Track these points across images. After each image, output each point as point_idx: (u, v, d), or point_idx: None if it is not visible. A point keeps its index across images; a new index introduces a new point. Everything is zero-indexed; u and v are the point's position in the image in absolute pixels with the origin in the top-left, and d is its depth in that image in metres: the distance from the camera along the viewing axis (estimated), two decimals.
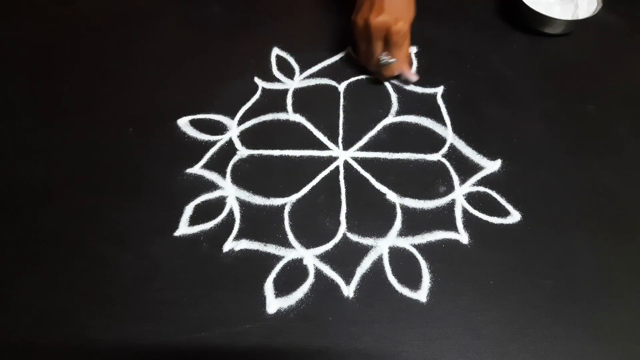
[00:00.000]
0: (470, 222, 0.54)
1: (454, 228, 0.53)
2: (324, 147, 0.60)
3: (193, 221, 0.54)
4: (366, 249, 0.52)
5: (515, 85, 0.66)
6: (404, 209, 0.55)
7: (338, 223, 0.54)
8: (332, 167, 0.59)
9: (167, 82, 0.67)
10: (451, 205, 0.55)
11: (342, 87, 0.66)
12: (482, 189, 0.56)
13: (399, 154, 0.60)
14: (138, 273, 0.50)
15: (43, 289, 0.50)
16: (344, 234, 0.53)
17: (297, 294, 0.49)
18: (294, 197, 0.56)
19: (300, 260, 0.51)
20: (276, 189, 0.56)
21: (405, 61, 0.63)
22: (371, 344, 0.46)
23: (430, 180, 0.57)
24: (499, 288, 0.49)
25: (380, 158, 0.59)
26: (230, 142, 0.61)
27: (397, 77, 0.66)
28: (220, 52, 0.70)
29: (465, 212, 0.55)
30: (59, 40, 0.73)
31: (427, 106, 0.64)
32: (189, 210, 0.55)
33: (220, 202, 0.56)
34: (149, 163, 0.59)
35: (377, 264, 0.51)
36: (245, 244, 0.52)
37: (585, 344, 0.46)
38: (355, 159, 0.59)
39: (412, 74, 0.65)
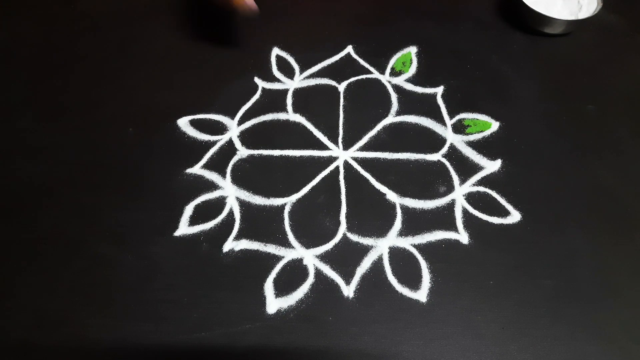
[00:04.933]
0: (470, 222, 0.54)
1: (454, 228, 0.53)
2: (324, 147, 0.60)
3: (193, 221, 0.54)
4: (366, 249, 0.52)
5: (515, 85, 0.66)
6: (404, 209, 0.55)
7: (338, 223, 0.54)
8: (332, 167, 0.59)
9: (167, 82, 0.67)
10: (451, 205, 0.55)
11: (342, 87, 0.66)
12: (482, 189, 0.56)
13: (399, 154, 0.60)
14: (138, 273, 0.50)
15: (43, 289, 0.50)
16: (344, 234, 0.53)
17: (297, 294, 0.49)
18: (294, 197, 0.56)
19: (300, 260, 0.51)
20: (276, 189, 0.56)
21: None
22: (371, 344, 0.46)
23: (430, 180, 0.57)
24: (499, 288, 0.49)
25: (380, 158, 0.59)
26: (230, 142, 0.61)
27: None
28: (221, 52, 0.70)
29: (465, 212, 0.55)
30: (59, 40, 0.73)
31: (427, 106, 0.64)
32: (189, 210, 0.55)
33: (220, 202, 0.56)
34: (149, 163, 0.59)
35: (377, 264, 0.51)
36: (245, 244, 0.52)
37: (585, 344, 0.46)
38: (355, 159, 0.59)
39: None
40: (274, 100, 0.65)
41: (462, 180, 0.57)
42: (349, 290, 0.49)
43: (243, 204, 0.56)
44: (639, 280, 0.50)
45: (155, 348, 0.46)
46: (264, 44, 0.71)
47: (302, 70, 0.68)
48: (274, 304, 0.48)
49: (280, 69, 0.69)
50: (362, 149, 0.60)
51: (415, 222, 0.54)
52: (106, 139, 0.61)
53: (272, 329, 0.47)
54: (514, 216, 0.54)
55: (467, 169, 0.58)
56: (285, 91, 0.66)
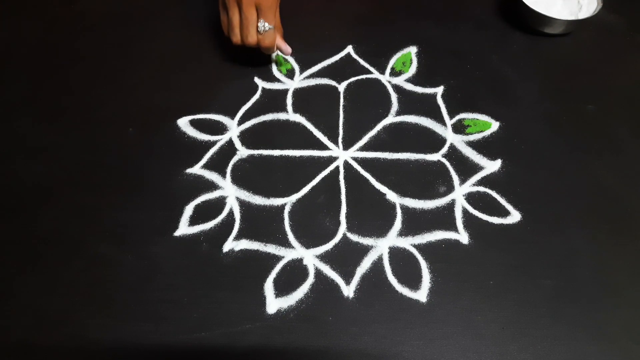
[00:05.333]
0: (470, 222, 0.54)
1: (454, 228, 0.53)
2: (324, 147, 0.60)
3: (193, 221, 0.54)
4: (366, 249, 0.52)
5: (515, 85, 0.66)
6: (404, 209, 0.55)
7: (338, 223, 0.54)
8: (332, 167, 0.59)
9: (167, 82, 0.67)
10: (451, 205, 0.55)
11: (342, 87, 0.66)
12: (482, 189, 0.56)
13: (399, 154, 0.60)
14: (138, 273, 0.50)
15: (43, 289, 0.50)
16: (344, 234, 0.53)
17: (297, 294, 0.49)
18: (294, 197, 0.56)
19: (300, 260, 0.51)
20: (276, 189, 0.56)
21: (279, 28, 0.61)
22: (371, 344, 0.46)
23: (430, 180, 0.57)
24: (499, 288, 0.49)
25: (380, 158, 0.59)
26: (230, 142, 0.61)
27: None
28: (221, 52, 0.70)
29: (465, 212, 0.55)
30: (59, 40, 0.73)
31: (427, 106, 0.64)
32: (189, 210, 0.55)
33: (220, 202, 0.56)
34: (149, 163, 0.59)
35: (377, 264, 0.51)
36: (245, 244, 0.52)
37: (585, 344, 0.46)
38: (355, 159, 0.59)
39: (285, 44, 0.63)
40: (274, 100, 0.65)
41: (462, 180, 0.57)
42: (349, 290, 0.49)
43: (243, 204, 0.56)
44: (639, 280, 0.50)
45: (155, 348, 0.46)
46: None
47: (302, 70, 0.68)
48: (274, 304, 0.48)
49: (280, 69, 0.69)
50: (362, 149, 0.60)
51: (415, 222, 0.54)
52: (106, 139, 0.61)
53: (272, 329, 0.47)
54: (514, 216, 0.54)
55: (467, 169, 0.58)
56: (285, 91, 0.66)
